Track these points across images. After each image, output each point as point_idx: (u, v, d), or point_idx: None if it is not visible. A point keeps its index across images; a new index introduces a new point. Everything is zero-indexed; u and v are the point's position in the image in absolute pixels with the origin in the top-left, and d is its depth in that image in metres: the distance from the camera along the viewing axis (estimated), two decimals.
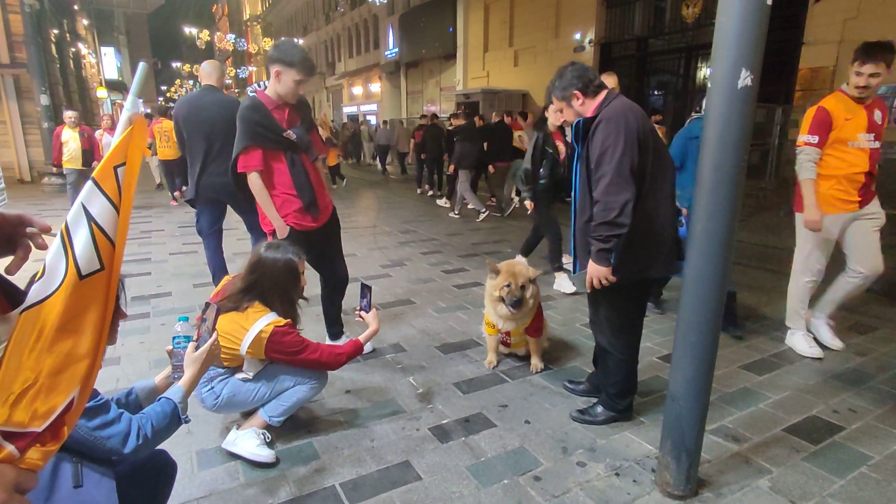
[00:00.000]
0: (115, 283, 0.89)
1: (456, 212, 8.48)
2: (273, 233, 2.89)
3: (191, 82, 55.57)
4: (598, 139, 2.12)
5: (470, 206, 8.29)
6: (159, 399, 1.50)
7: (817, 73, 10.12)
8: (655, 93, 14.20)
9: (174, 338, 1.67)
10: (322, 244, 3.02)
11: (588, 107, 2.27)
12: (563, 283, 4.60)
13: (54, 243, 0.85)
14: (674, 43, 13.55)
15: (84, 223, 0.85)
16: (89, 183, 0.88)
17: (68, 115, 8.18)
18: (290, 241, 2.45)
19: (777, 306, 4.12)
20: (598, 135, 2.12)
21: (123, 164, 0.90)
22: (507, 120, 8.74)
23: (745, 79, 1.61)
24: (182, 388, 1.56)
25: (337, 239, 3.19)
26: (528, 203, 4.55)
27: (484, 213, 8.03)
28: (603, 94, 2.26)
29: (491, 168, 8.57)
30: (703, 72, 12.26)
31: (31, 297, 0.81)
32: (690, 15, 12.41)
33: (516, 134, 8.53)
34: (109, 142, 7.39)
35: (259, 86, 2.86)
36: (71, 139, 8.01)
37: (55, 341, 0.81)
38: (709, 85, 1.71)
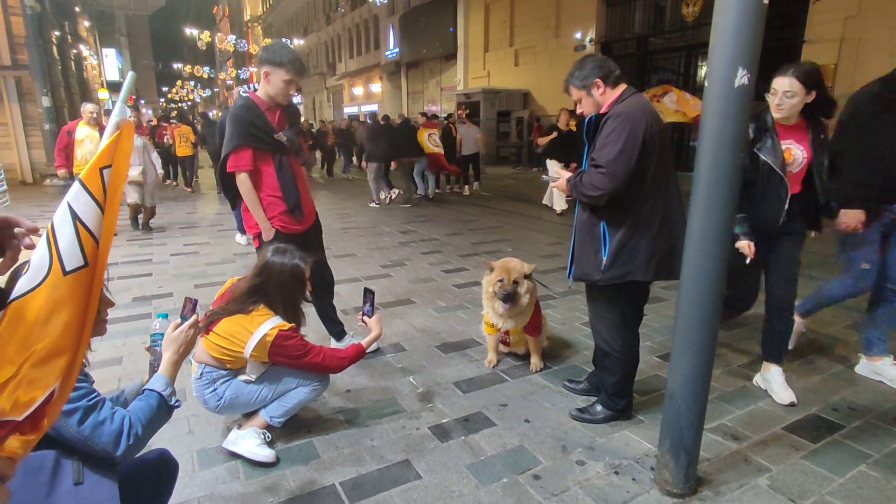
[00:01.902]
0: (99, 280, 0.91)
1: (377, 202, 9.47)
2: (258, 235, 2.90)
3: (192, 83, 55.66)
4: (604, 132, 2.15)
5: (380, 197, 9.58)
6: (143, 391, 1.46)
7: None
8: None
9: (152, 335, 1.63)
10: (306, 248, 3.02)
11: (608, 97, 2.26)
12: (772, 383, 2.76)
13: (41, 241, 0.87)
14: (674, 42, 13.55)
15: (69, 221, 0.87)
16: (76, 183, 0.90)
17: (88, 108, 6.63)
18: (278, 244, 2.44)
19: None
20: (605, 129, 2.15)
21: (110, 166, 0.92)
22: (421, 120, 10.01)
23: (742, 78, 1.62)
24: (163, 375, 1.51)
25: (320, 242, 3.20)
26: (743, 245, 2.51)
27: (376, 204, 9.42)
28: (622, 87, 2.26)
29: (394, 163, 9.54)
30: (704, 70, 12.23)
31: (17, 291, 0.83)
32: (690, 14, 12.42)
33: (425, 133, 9.43)
34: (134, 144, 6.90)
35: (249, 87, 2.87)
36: (88, 138, 6.45)
37: (37, 335, 0.83)
38: (706, 84, 1.71)
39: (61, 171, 6.64)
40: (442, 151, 9.53)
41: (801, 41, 10.21)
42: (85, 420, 1.27)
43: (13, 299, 0.82)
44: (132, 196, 6.88)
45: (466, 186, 11.12)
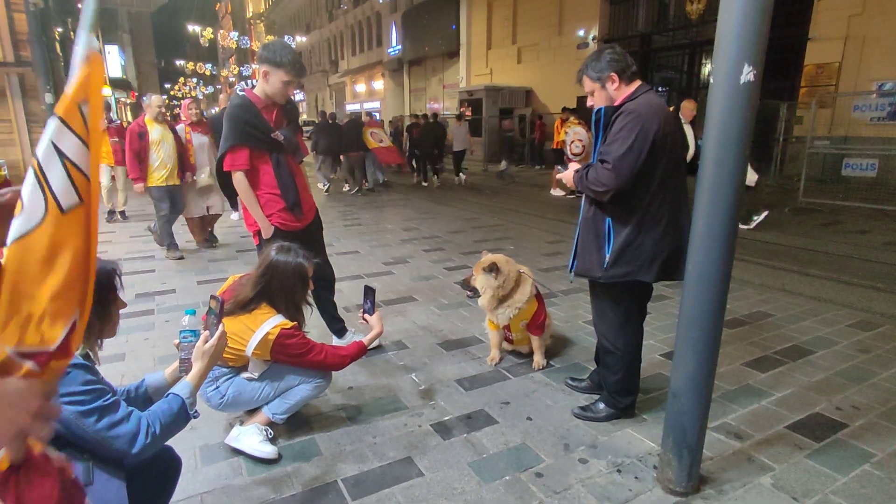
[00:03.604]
0: (94, 215, 0.92)
1: (325, 187, 10.86)
2: (257, 233, 2.90)
3: (194, 80, 55.68)
4: (615, 128, 2.14)
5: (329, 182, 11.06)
6: (167, 395, 1.49)
7: (823, 69, 10.07)
8: (659, 89, 14.16)
9: (181, 332, 1.66)
10: (307, 245, 3.02)
11: (622, 92, 2.23)
12: None
13: (28, 179, 0.87)
14: (678, 39, 13.50)
15: (56, 160, 0.88)
16: (55, 121, 0.89)
17: (155, 102, 5.35)
18: (277, 241, 2.44)
19: (780, 304, 4.11)
20: (616, 125, 2.14)
21: (87, 101, 0.92)
22: (365, 119, 11.08)
23: (748, 74, 1.60)
24: (190, 384, 1.54)
25: (320, 239, 3.20)
26: None
27: (326, 189, 10.82)
28: (636, 83, 2.24)
29: (342, 157, 10.70)
30: (708, 68, 12.20)
31: (15, 232, 0.85)
32: (694, 11, 12.36)
33: (368, 131, 10.39)
34: (202, 142, 5.73)
35: (246, 84, 2.86)
36: (164, 140, 5.27)
37: (49, 271, 0.86)
38: (711, 80, 1.70)
39: (139, 187, 5.30)
40: (385, 146, 10.60)
41: (806, 39, 10.17)
42: (101, 420, 1.28)
43: (15, 239, 0.84)
44: (199, 209, 5.83)
45: (457, 178, 12.26)
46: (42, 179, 0.87)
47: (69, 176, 0.88)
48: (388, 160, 10.93)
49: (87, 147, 0.90)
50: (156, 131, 5.26)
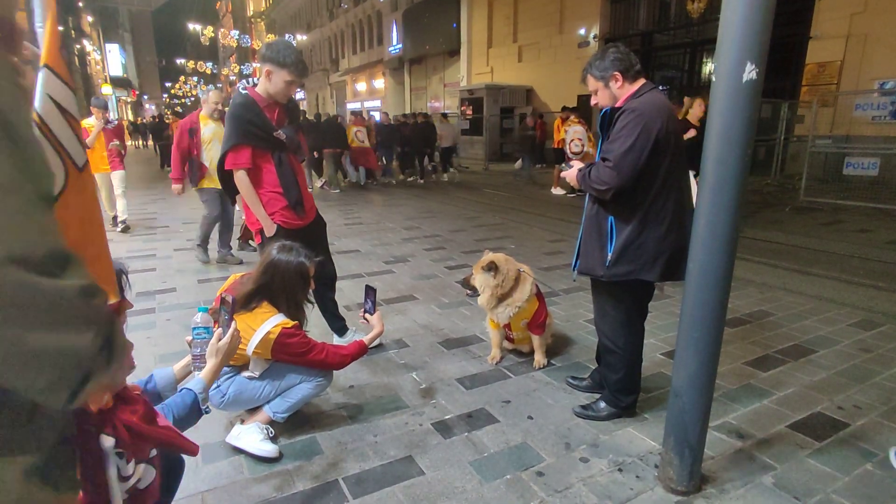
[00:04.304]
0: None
1: (321, 186, 11.28)
2: (260, 231, 2.90)
3: (195, 79, 55.66)
4: (617, 127, 2.14)
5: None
6: (180, 390, 1.51)
7: (824, 68, 10.05)
8: (660, 88, 14.14)
9: (194, 328, 1.67)
10: (309, 243, 3.02)
11: (625, 91, 2.23)
12: None
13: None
14: (679, 38, 13.49)
15: (58, 116, 0.84)
16: (46, 73, 0.86)
17: (212, 97, 5.01)
18: (279, 240, 2.44)
19: (781, 303, 4.11)
20: (618, 124, 2.14)
21: (62, 45, 0.92)
22: (350, 119, 11.60)
23: (750, 72, 1.60)
24: (203, 380, 1.57)
25: (323, 237, 3.20)
26: None
27: (320, 186, 11.25)
28: (640, 82, 2.24)
29: (315, 153, 10.92)
30: (709, 67, 12.19)
31: None
32: (695, 10, 12.33)
33: (353, 129, 10.94)
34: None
35: (248, 83, 2.86)
36: (216, 138, 4.81)
37: (92, 231, 0.88)
38: (713, 79, 1.69)
39: (177, 188, 5.10)
40: (367, 146, 11.16)
41: (808, 38, 10.15)
42: None
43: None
44: None
45: (445, 174, 13.17)
46: (51, 137, 0.82)
47: (74, 131, 0.85)
48: (361, 161, 11.26)
49: (72, 90, 0.87)
50: (208, 129, 4.95)
